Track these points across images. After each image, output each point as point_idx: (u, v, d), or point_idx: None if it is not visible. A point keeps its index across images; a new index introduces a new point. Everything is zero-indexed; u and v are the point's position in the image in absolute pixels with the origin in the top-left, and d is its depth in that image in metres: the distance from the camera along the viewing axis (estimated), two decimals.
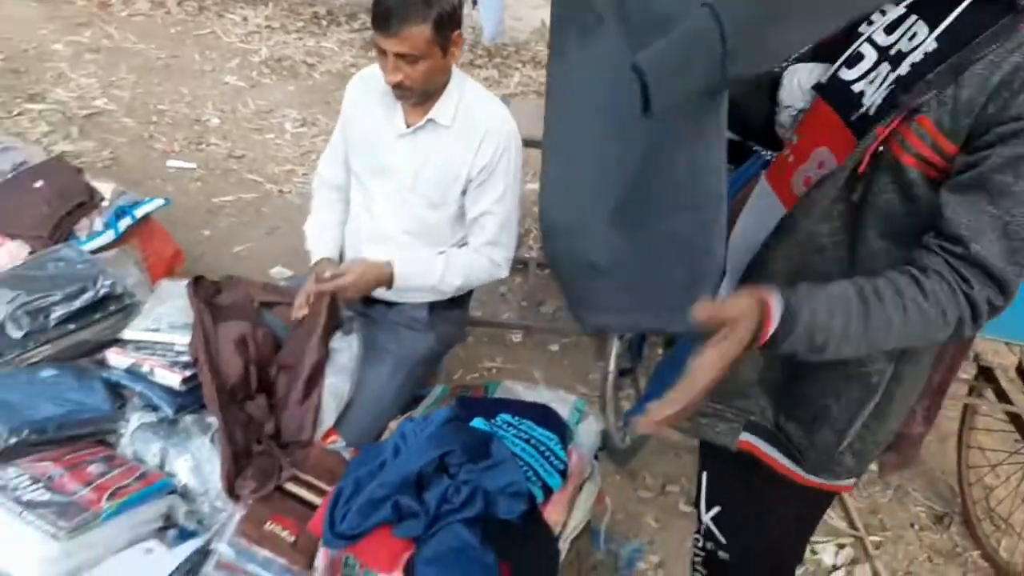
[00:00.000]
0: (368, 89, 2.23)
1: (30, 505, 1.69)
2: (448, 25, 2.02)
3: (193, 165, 3.86)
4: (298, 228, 3.52)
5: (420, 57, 2.01)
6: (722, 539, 1.62)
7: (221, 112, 4.42)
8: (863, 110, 1.22)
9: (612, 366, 2.85)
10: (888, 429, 1.38)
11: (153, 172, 3.75)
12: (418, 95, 2.11)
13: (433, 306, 2.37)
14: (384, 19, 1.97)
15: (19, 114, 3.99)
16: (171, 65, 4.82)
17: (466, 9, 5.13)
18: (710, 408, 1.45)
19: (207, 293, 2.25)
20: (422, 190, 2.21)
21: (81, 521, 1.69)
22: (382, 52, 2.02)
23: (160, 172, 3.77)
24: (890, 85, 1.20)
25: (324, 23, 5.87)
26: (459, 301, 2.45)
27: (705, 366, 1.11)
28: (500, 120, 2.20)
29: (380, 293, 2.28)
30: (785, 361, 1.33)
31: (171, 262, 2.72)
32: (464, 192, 2.22)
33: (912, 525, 2.74)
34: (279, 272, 3.23)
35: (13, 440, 1.83)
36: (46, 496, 1.73)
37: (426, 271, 2.20)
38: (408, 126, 2.20)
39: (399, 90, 2.07)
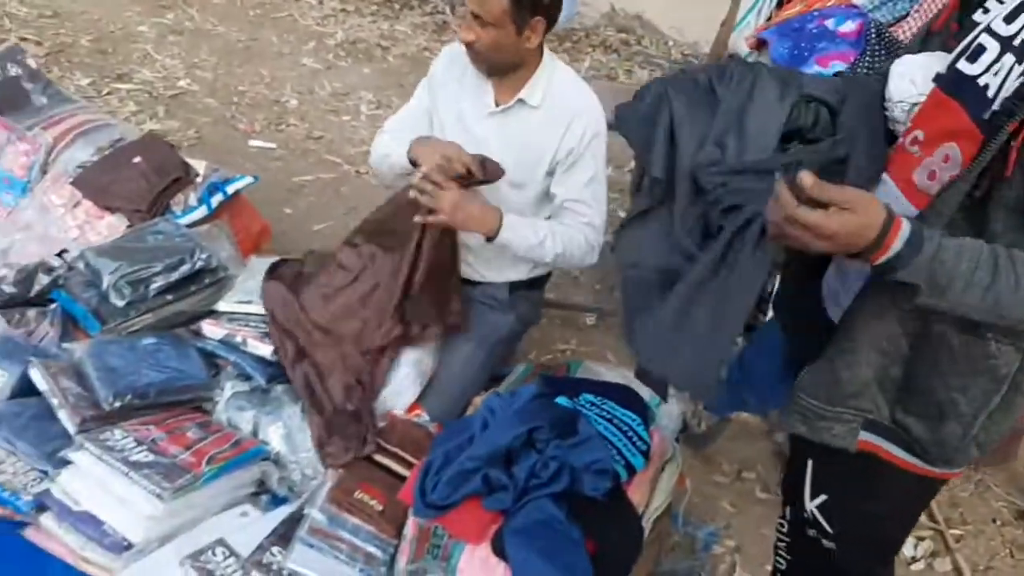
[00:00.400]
0: (459, 64, 2.25)
1: (136, 466, 1.77)
2: (528, 7, 2.02)
3: (273, 145, 3.94)
4: (376, 206, 3.60)
5: (491, 24, 2.01)
6: (828, 528, 1.60)
7: (299, 94, 4.50)
8: (991, 106, 1.20)
9: None
10: (1012, 419, 1.36)
11: (236, 151, 3.85)
12: (486, 63, 2.12)
13: (513, 286, 2.40)
14: None
15: (108, 93, 4.12)
16: (250, 48, 4.92)
17: None
18: (827, 411, 1.44)
19: (291, 272, 2.31)
20: (507, 169, 2.23)
21: (183, 483, 1.76)
22: (463, 8, 2.04)
23: (242, 151, 3.86)
24: (1020, 77, 1.17)
25: (397, 6, 5.92)
26: (538, 282, 2.47)
27: (822, 221, 1.12)
28: (589, 104, 2.21)
29: (474, 255, 2.31)
30: (907, 357, 1.33)
31: (258, 237, 2.79)
32: (550, 173, 2.23)
33: (993, 520, 2.69)
34: None
35: (117, 404, 1.92)
36: (150, 458, 1.81)
37: (532, 227, 2.16)
38: (497, 105, 2.22)
39: (470, 51, 2.09)
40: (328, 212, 3.52)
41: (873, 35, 2.24)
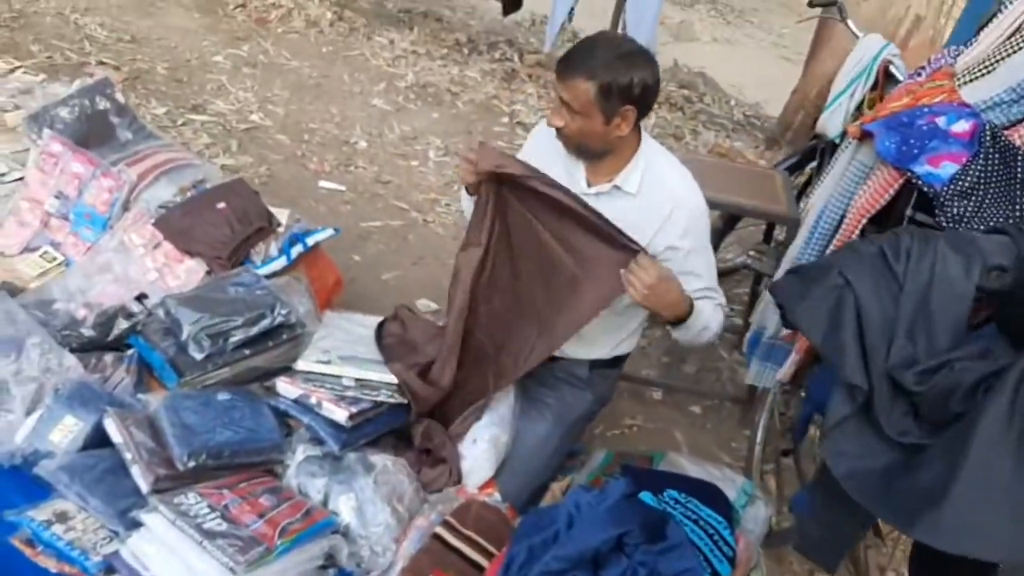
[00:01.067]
0: (553, 141, 2.20)
1: (210, 535, 1.72)
2: (618, 96, 1.97)
3: (343, 187, 3.93)
4: (442, 260, 3.58)
5: (579, 112, 1.99)
6: None
7: (368, 135, 4.50)
8: None
9: (760, 436, 2.75)
10: None
11: (306, 191, 3.84)
12: (576, 149, 2.10)
13: (594, 364, 2.33)
14: (563, 61, 2.01)
15: (183, 124, 4.14)
16: (322, 84, 4.95)
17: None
18: None
19: (397, 329, 2.28)
20: None
21: (256, 555, 1.71)
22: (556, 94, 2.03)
23: (312, 192, 3.85)
24: None
25: (466, 51, 5.94)
26: (619, 361, 2.41)
27: None
28: (690, 193, 2.15)
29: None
30: None
31: (332, 289, 2.76)
32: None
33: None
34: (424, 305, 3.24)
35: (191, 463, 1.87)
36: (223, 526, 1.76)
37: (704, 313, 2.09)
38: (590, 186, 2.16)
39: (560, 135, 2.07)
40: (396, 261, 3.49)
41: (988, 138, 2.16)
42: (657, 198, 2.11)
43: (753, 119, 6.57)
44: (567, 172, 2.18)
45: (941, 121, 2.26)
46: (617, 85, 1.96)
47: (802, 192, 3.51)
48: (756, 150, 5.66)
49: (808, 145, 3.45)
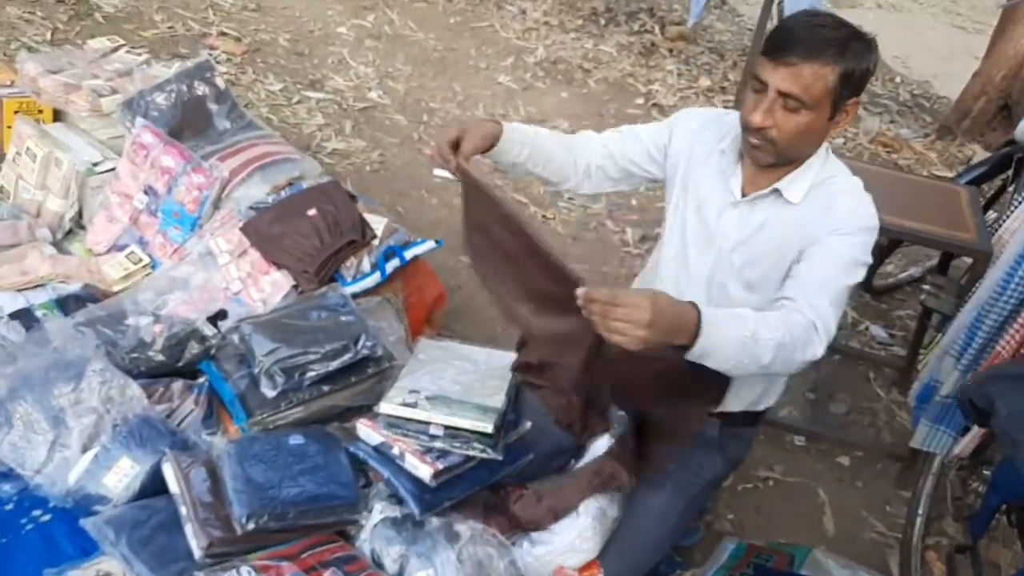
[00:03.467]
0: (712, 133, 1.81)
1: None
2: (853, 86, 1.59)
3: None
4: None
5: (806, 105, 1.57)
6: None
7: (491, 116, 4.18)
8: None
9: (923, 508, 2.31)
10: None
11: (419, 181, 3.56)
12: (775, 155, 1.66)
13: (726, 422, 1.95)
14: (784, 45, 1.56)
15: (298, 102, 3.94)
16: (446, 58, 4.66)
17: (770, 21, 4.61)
18: None
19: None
20: (740, 266, 1.76)
21: None
22: (759, 84, 1.59)
23: (426, 182, 3.57)
24: None
25: (603, 22, 5.52)
26: (757, 417, 2.01)
27: None
28: (866, 214, 1.71)
29: None
30: None
31: (433, 305, 2.48)
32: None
33: None
34: None
35: (251, 526, 1.64)
36: None
37: (736, 317, 1.53)
38: (744, 194, 1.76)
39: (757, 137, 1.62)
40: None
41: None
42: (823, 213, 1.68)
43: (922, 99, 5.88)
44: (720, 174, 1.78)
45: None
46: (859, 72, 1.58)
47: (986, 209, 2.96)
48: (926, 139, 5.02)
49: (1000, 152, 2.90)
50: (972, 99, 4.86)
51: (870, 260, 1.74)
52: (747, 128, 1.63)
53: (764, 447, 2.61)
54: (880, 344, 3.20)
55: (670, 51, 5.30)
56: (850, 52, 1.57)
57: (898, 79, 6.15)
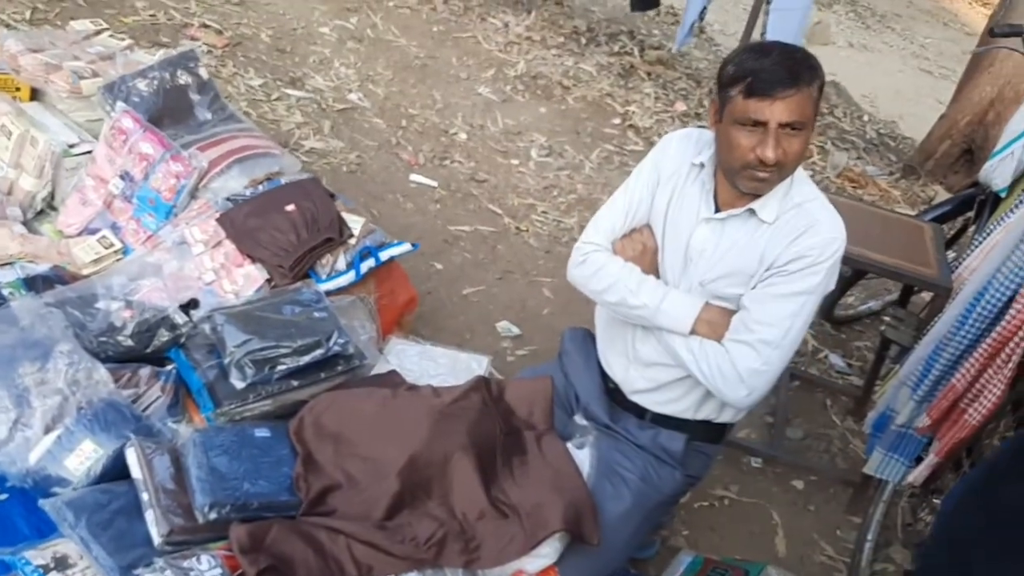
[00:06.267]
0: (689, 155, 1.87)
1: None
2: (821, 87, 1.70)
3: (435, 183, 3.65)
4: (530, 277, 3.27)
5: (804, 128, 1.66)
6: None
7: (469, 127, 4.21)
8: None
9: (871, 534, 2.37)
10: None
11: (395, 185, 3.57)
12: (778, 180, 1.74)
13: (693, 437, 1.99)
14: (771, 82, 1.63)
15: (277, 99, 3.93)
16: (428, 66, 4.68)
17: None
18: None
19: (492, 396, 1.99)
20: (715, 282, 1.83)
21: None
22: (755, 124, 1.65)
23: (402, 186, 3.58)
24: None
25: (584, 41, 5.58)
26: (721, 433, 2.06)
27: None
28: (833, 226, 1.78)
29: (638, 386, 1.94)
30: None
31: (404, 308, 2.49)
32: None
33: None
34: (505, 328, 2.94)
35: (213, 516, 1.64)
36: None
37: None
38: (718, 211, 1.82)
39: (767, 171, 1.68)
40: (481, 275, 3.19)
41: None
42: (793, 227, 1.76)
43: (888, 138, 6.02)
44: (698, 189, 1.85)
45: None
46: (823, 81, 1.70)
47: (948, 246, 3.06)
48: (890, 177, 5.14)
49: (964, 193, 2.99)
50: (937, 141, 4.99)
51: (830, 287, 1.83)
52: (753, 165, 1.69)
53: (721, 467, 2.66)
54: (838, 373, 3.27)
55: (648, 74, 5.37)
56: (816, 67, 1.67)
57: (866, 117, 6.29)
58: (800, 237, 1.76)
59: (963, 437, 2.08)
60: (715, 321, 1.84)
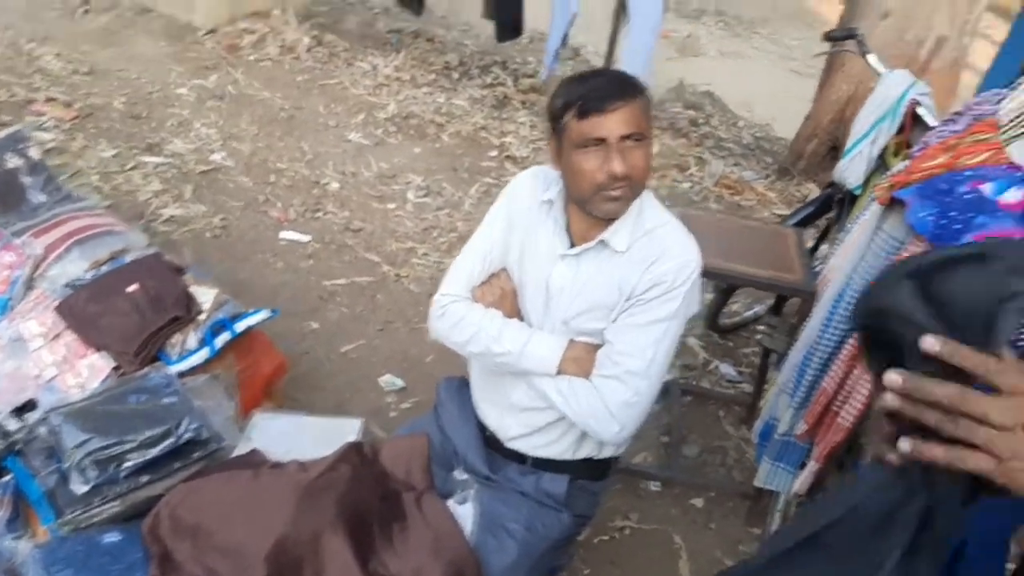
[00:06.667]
0: (539, 192, 1.83)
1: None
2: (648, 98, 1.70)
3: (307, 238, 3.54)
4: (412, 324, 3.20)
5: (644, 137, 1.64)
6: None
7: (341, 175, 4.12)
8: None
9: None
10: None
11: (264, 245, 3.45)
12: (633, 198, 1.71)
13: (575, 478, 1.94)
14: (601, 97, 1.61)
15: (133, 168, 3.77)
16: (294, 117, 4.58)
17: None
18: None
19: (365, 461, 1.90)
20: (577, 318, 1.79)
21: None
22: (596, 142, 1.62)
23: (271, 245, 3.47)
24: None
25: (455, 76, 5.57)
26: (606, 469, 2.01)
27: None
28: (685, 250, 1.76)
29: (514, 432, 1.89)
30: None
31: (271, 377, 2.38)
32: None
33: None
34: (389, 382, 2.85)
35: None
36: None
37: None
38: (572, 246, 1.79)
39: (619, 188, 1.65)
40: (360, 328, 3.09)
41: None
42: (647, 253, 1.74)
43: (764, 142, 6.17)
44: (551, 226, 1.80)
45: (987, 189, 1.86)
46: (650, 99, 1.69)
47: (815, 248, 3.11)
48: (767, 180, 5.26)
49: (823, 193, 3.04)
50: (804, 141, 5.14)
51: (694, 309, 1.81)
52: (605, 185, 1.65)
53: (619, 496, 2.62)
54: (729, 382, 3.28)
55: (523, 103, 5.38)
56: (639, 85, 1.66)
57: (741, 123, 6.44)
58: (654, 264, 1.74)
59: (839, 440, 2.08)
60: (581, 358, 1.80)
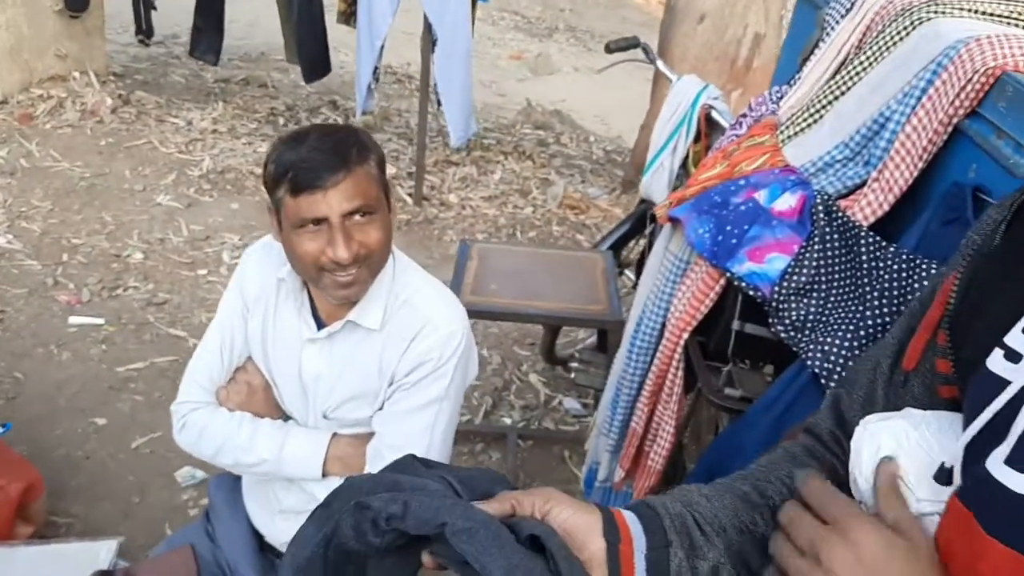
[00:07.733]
0: (271, 269, 1.57)
1: None
2: (384, 167, 1.46)
3: (100, 320, 3.20)
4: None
5: (376, 209, 1.40)
6: None
7: (147, 244, 3.78)
8: None
9: None
10: None
11: (49, 335, 3.09)
12: (370, 278, 1.47)
13: None
14: (315, 171, 1.34)
15: None
16: (95, 185, 4.21)
17: (431, 109, 4.59)
18: None
19: None
20: (339, 409, 1.57)
21: None
22: (315, 224, 1.36)
23: (58, 334, 3.11)
24: None
25: (281, 121, 5.30)
26: None
27: None
28: (450, 318, 1.54)
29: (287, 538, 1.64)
30: None
31: (22, 498, 2.05)
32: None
33: None
34: (187, 475, 2.54)
35: None
36: None
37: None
38: (320, 327, 1.54)
39: (349, 273, 1.40)
40: (157, 418, 2.75)
41: (820, 214, 1.62)
42: (405, 327, 1.51)
43: (614, 155, 6.12)
44: (300, 311, 1.55)
45: (762, 196, 1.72)
46: (380, 152, 1.46)
47: (640, 267, 2.97)
48: (612, 195, 5.17)
49: (637, 210, 2.91)
50: (643, 152, 5.04)
51: (473, 374, 1.62)
52: (332, 269, 1.41)
53: None
54: (575, 417, 3.10)
55: None
56: (367, 143, 1.42)
57: (592, 139, 6.38)
58: (415, 340, 1.51)
59: (652, 485, 1.91)
60: (347, 455, 1.57)
